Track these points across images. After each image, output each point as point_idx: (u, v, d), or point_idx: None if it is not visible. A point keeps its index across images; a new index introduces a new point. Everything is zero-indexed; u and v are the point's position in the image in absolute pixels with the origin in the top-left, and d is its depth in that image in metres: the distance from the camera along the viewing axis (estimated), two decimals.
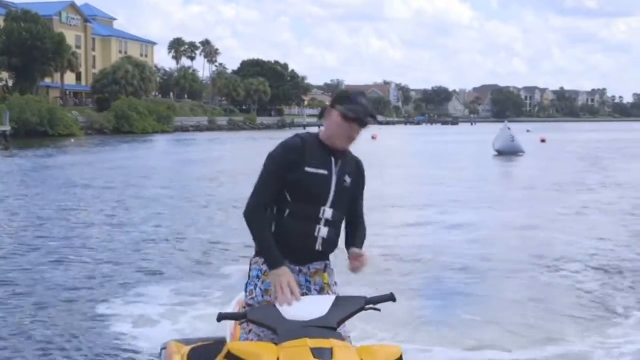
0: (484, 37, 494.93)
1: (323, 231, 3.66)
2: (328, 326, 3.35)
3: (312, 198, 3.63)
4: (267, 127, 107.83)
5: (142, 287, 9.22)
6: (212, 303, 8.31)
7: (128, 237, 13.10)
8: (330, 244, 3.71)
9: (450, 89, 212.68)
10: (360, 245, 3.79)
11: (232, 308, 4.19)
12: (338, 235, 3.75)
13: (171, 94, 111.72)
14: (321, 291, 3.72)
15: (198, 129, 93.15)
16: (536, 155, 40.57)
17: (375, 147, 45.23)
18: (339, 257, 3.87)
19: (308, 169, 3.61)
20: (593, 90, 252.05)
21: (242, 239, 11.52)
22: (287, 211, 3.64)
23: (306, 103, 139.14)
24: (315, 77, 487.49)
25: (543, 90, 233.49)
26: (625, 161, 36.88)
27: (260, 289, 3.68)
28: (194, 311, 8.04)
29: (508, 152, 39.75)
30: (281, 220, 3.65)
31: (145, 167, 31.87)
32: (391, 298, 3.56)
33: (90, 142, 58.95)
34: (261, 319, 3.45)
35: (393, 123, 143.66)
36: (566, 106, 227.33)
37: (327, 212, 3.66)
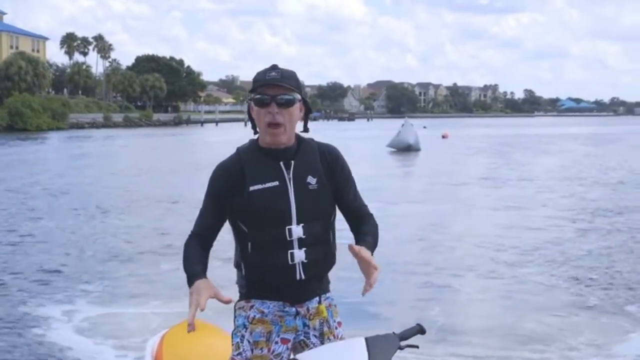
0: (377, 33, 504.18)
1: (298, 255, 2.99)
2: None
3: (269, 221, 2.98)
4: (164, 124, 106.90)
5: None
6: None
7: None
8: (315, 266, 3.05)
9: (345, 85, 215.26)
10: (368, 243, 3.01)
11: (149, 355, 3.67)
12: (327, 252, 3.09)
13: (65, 90, 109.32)
14: (321, 337, 3.07)
15: (93, 125, 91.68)
16: (439, 151, 42.20)
17: None
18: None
19: (252, 188, 2.97)
20: (485, 85, 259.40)
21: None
22: (249, 244, 3.02)
23: (202, 99, 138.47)
24: (210, 72, 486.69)
25: (437, 86, 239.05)
26: (533, 154, 39.49)
27: (249, 341, 3.04)
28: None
29: (413, 148, 40.48)
30: (247, 258, 3.04)
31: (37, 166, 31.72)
32: (420, 330, 2.91)
33: None
34: None
35: None
36: (459, 102, 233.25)
37: (296, 231, 2.99)
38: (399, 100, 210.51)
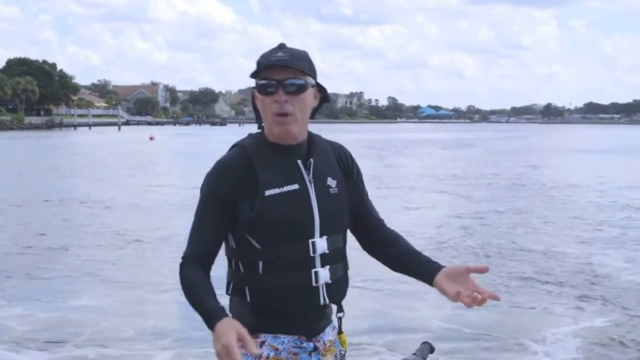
0: (247, 41, 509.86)
1: (323, 275, 2.34)
2: None
3: (289, 233, 2.31)
4: (36, 127, 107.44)
5: None
6: None
7: None
8: (340, 288, 2.43)
9: (216, 91, 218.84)
10: (429, 260, 2.45)
11: None
12: (346, 269, 2.46)
13: None
14: None
15: None
16: None
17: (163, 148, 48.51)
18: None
19: (269, 192, 2.30)
20: (351, 93, 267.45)
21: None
22: (260, 264, 2.32)
23: (75, 103, 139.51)
24: (82, 76, 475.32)
25: None
26: (404, 156, 43.06)
27: None
28: None
29: None
30: (256, 280, 2.34)
31: None
32: (432, 349, 2.62)
33: None
34: None
35: (162, 123, 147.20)
36: (327, 108, 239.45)
37: (320, 245, 2.34)
38: None
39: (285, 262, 2.32)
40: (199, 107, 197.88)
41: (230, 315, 2.23)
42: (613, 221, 16.28)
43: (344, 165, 2.50)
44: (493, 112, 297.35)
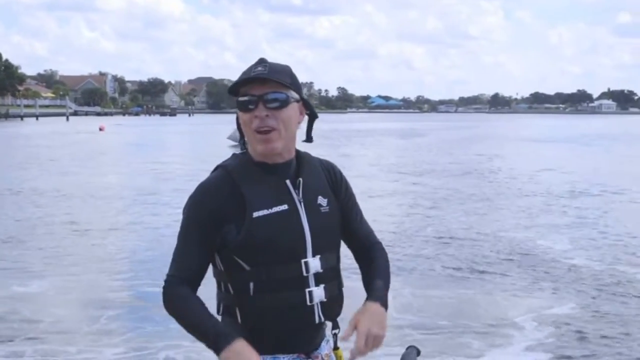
0: (196, 31, 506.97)
1: (317, 294, 2.31)
2: None
3: (280, 254, 2.26)
4: None
5: None
6: None
7: None
8: (335, 305, 2.40)
9: (166, 81, 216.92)
10: (380, 294, 2.38)
11: None
12: (341, 285, 2.44)
13: None
14: None
15: None
16: None
17: (113, 139, 48.08)
18: None
19: (257, 214, 2.23)
20: (302, 83, 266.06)
21: None
22: (251, 285, 2.25)
23: (21, 93, 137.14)
24: (28, 66, 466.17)
25: None
26: (357, 146, 43.48)
27: None
28: None
29: None
30: (247, 302, 2.27)
31: None
32: (419, 352, 2.55)
33: None
34: None
35: (111, 114, 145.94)
36: None
37: (313, 264, 2.30)
38: (219, 96, 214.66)
39: (278, 283, 2.26)
40: (148, 97, 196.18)
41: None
42: (572, 208, 16.67)
43: (333, 182, 2.46)
44: (442, 102, 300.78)
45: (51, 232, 13.19)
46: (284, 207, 2.28)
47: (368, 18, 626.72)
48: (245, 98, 2.26)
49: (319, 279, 2.31)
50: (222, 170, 2.32)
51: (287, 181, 2.33)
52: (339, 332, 2.42)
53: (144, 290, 8.99)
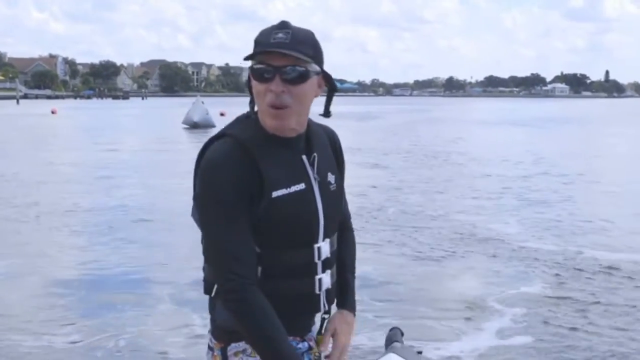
0: (148, 12, 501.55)
1: (325, 281, 2.14)
2: None
3: (294, 238, 2.06)
4: None
5: None
6: None
7: None
8: (335, 291, 2.25)
9: (118, 63, 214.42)
10: (353, 297, 2.32)
11: None
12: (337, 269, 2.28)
13: None
14: None
15: None
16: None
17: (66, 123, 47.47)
18: None
19: (276, 193, 1.99)
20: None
21: None
22: (260, 269, 2.03)
23: None
24: None
25: (209, 66, 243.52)
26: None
27: None
28: None
29: (204, 125, 40.50)
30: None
31: None
32: (402, 333, 2.62)
33: None
34: None
35: (62, 97, 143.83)
36: (232, 81, 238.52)
37: (323, 249, 2.12)
38: (172, 79, 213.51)
39: (288, 269, 2.07)
40: (100, 80, 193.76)
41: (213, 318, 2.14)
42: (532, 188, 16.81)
43: (336, 154, 2.28)
44: (397, 86, 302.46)
45: (6, 218, 12.87)
46: (302, 186, 2.07)
47: (322, 0, 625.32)
48: (262, 66, 2.02)
49: (325, 264, 2.15)
50: (233, 141, 2.04)
51: (304, 157, 2.12)
52: (329, 317, 2.28)
53: (101, 274, 8.81)
